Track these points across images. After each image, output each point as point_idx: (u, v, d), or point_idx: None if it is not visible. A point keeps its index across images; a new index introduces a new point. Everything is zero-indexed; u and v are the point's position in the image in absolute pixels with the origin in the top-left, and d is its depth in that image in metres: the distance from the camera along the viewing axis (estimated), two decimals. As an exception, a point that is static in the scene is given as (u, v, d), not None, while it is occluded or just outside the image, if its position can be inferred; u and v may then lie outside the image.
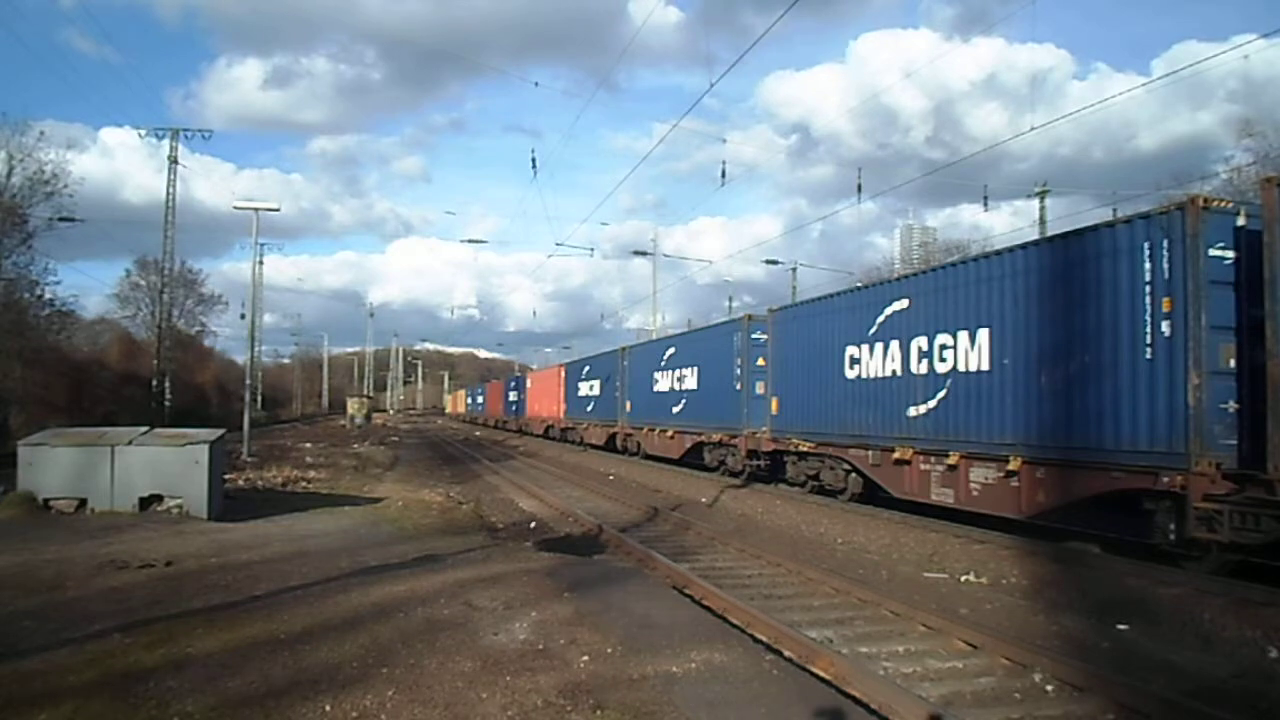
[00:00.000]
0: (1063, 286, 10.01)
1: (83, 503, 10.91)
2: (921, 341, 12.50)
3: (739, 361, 19.24)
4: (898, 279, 14.81)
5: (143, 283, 46.18)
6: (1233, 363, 8.38)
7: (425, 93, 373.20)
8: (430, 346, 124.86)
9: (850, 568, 10.09)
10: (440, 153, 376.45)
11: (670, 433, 23.72)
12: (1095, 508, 9.67)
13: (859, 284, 20.35)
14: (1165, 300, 8.63)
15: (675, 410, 23.26)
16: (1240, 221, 8.53)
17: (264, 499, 14.18)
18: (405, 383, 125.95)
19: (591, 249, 75.59)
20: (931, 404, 12.22)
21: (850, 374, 14.34)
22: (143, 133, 40.77)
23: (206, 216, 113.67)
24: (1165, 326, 8.62)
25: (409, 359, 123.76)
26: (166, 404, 39.86)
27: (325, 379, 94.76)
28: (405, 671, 4.99)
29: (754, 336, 18.74)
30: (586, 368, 34.45)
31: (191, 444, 11.29)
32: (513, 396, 52.99)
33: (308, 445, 30.32)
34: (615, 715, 4.39)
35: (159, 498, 11.13)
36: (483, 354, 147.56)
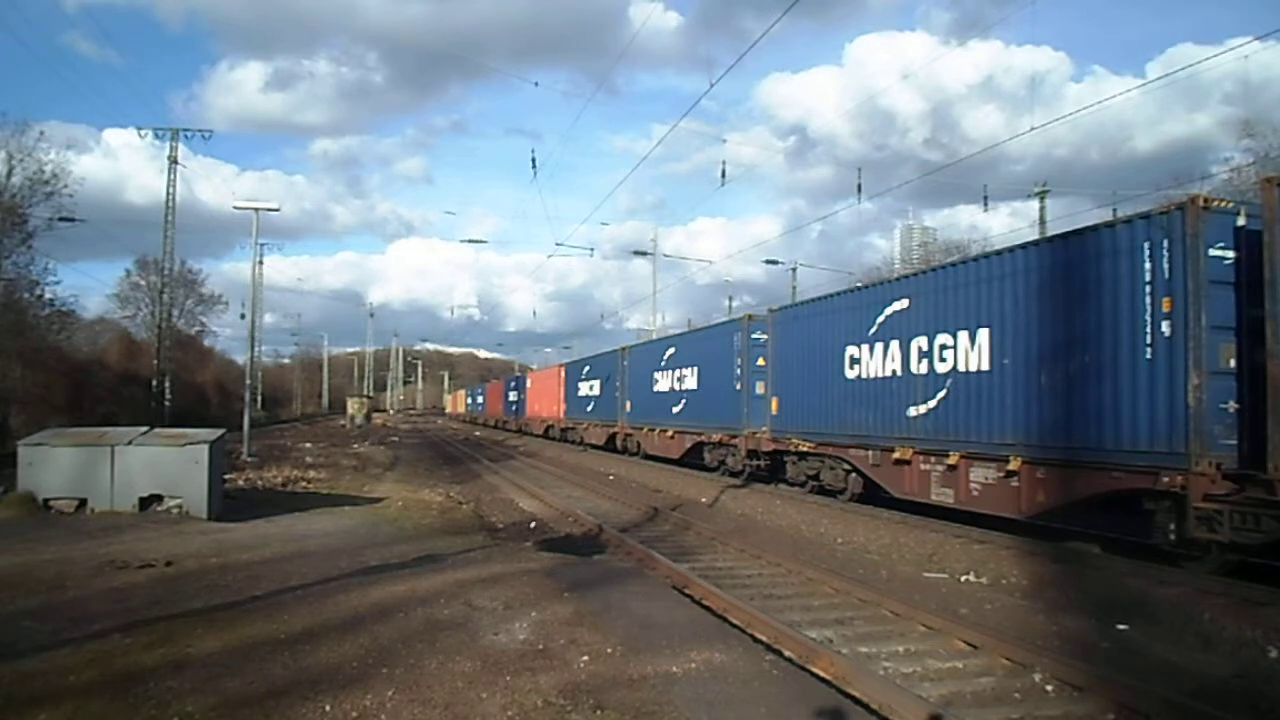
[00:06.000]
0: (1063, 286, 10.00)
1: (83, 503, 10.91)
2: (921, 341, 12.49)
3: (739, 361, 19.23)
4: (898, 279, 14.81)
5: (143, 283, 46.32)
6: (1233, 363, 8.38)
7: (426, 95, 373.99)
8: (430, 346, 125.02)
9: (850, 568, 10.09)
10: (441, 154, 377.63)
11: (670, 433, 23.72)
12: (1095, 508, 9.67)
13: (859, 284, 20.34)
14: (1165, 300, 8.62)
15: (675, 410, 23.25)
16: (1240, 221, 8.52)
17: (264, 499, 14.18)
18: (405, 383, 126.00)
19: (591, 249, 74.97)
20: (931, 404, 12.21)
21: (850, 374, 14.34)
22: (143, 133, 40.87)
23: (208, 217, 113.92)
24: (1165, 326, 8.61)
25: (409, 359, 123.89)
26: (166, 404, 39.84)
27: (325, 379, 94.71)
28: (405, 671, 4.99)
29: (754, 336, 18.73)
30: (586, 368, 34.44)
31: (191, 444, 11.28)
32: (513, 396, 52.98)
33: (308, 445, 30.31)
34: (615, 715, 4.39)
35: (159, 498, 11.13)
36: (483, 354, 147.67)
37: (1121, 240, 9.22)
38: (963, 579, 9.45)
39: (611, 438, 29.70)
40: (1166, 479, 8.50)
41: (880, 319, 13.56)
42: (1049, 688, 5.79)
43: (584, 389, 33.85)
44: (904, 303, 13.04)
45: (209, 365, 57.21)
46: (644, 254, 45.91)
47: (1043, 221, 30.59)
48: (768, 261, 43.54)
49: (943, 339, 12.02)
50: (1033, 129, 17.20)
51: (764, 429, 17.66)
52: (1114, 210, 24.86)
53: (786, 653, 6.12)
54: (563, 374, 38.20)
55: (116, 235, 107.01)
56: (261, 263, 44.00)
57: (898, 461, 12.86)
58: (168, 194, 40.52)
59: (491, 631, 5.88)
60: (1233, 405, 8.36)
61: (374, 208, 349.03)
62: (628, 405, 27.87)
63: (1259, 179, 9.03)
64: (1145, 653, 6.71)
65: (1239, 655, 6.64)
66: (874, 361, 13.69)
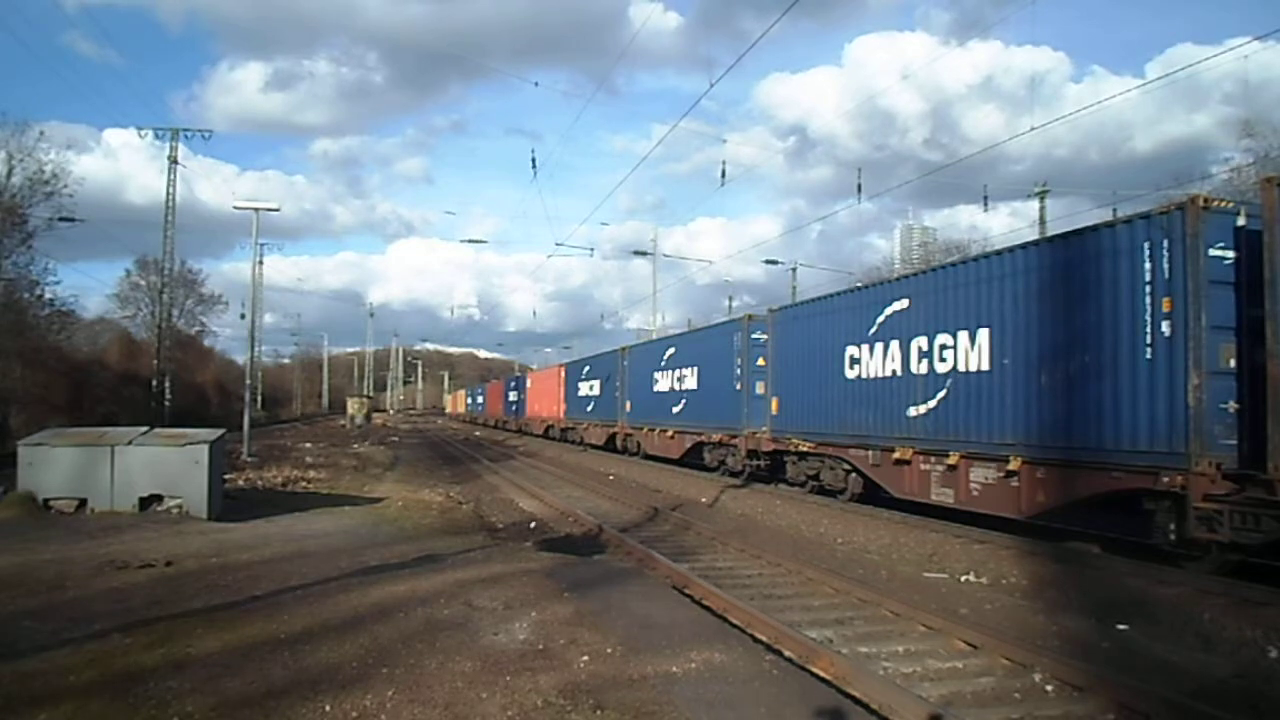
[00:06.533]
0: (1063, 286, 10.00)
1: (83, 503, 10.91)
2: (921, 341, 12.49)
3: (739, 361, 19.23)
4: (898, 279, 14.81)
5: (143, 283, 46.30)
6: (1233, 363, 8.38)
7: (426, 95, 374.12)
8: (430, 346, 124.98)
9: (850, 568, 10.09)
10: (441, 154, 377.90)
11: (670, 433, 23.72)
12: (1095, 508, 9.67)
13: (859, 284, 20.34)
14: (1165, 300, 8.62)
15: (675, 410, 23.25)
16: (1240, 221, 8.52)
17: (264, 499, 14.18)
18: (405, 383, 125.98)
19: (591, 249, 74.60)
20: (931, 404, 12.21)
21: (850, 374, 14.34)
22: (143, 133, 40.86)
23: (208, 217, 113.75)
24: (1165, 326, 8.62)
25: (409, 359, 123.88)
26: (166, 404, 39.84)
27: (325, 379, 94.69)
28: (405, 671, 4.99)
29: (754, 336, 18.74)
30: (586, 368, 34.44)
31: (191, 444, 11.28)
32: (513, 396, 52.99)
33: (308, 445, 30.30)
34: (615, 715, 4.39)
35: (159, 498, 11.12)
36: (483, 354, 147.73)
37: (1121, 240, 9.22)
38: (963, 579, 9.45)
39: (611, 438, 29.70)
40: (1166, 479, 8.50)
41: (880, 319, 13.56)
42: (1049, 688, 5.79)
43: (584, 389, 33.85)
44: (904, 303, 13.04)
45: (209, 365, 57.20)
46: (644, 254, 45.91)
47: (1043, 221, 30.60)
48: (768, 261, 43.60)
49: (943, 339, 12.02)
50: (1032, 129, 17.18)
51: (764, 429, 17.66)
52: (1114, 210, 24.84)
53: (786, 653, 6.12)
54: (563, 374, 38.20)
55: (116, 235, 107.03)
56: (261, 263, 43.99)
57: (898, 461, 12.86)
58: (168, 194, 40.57)
59: (491, 631, 5.88)
60: (1233, 405, 8.36)
61: (374, 208, 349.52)
62: (628, 405, 27.86)
63: (1259, 179, 9.03)
64: (1145, 653, 6.71)
65: (1239, 655, 6.64)
66: (874, 361, 13.69)
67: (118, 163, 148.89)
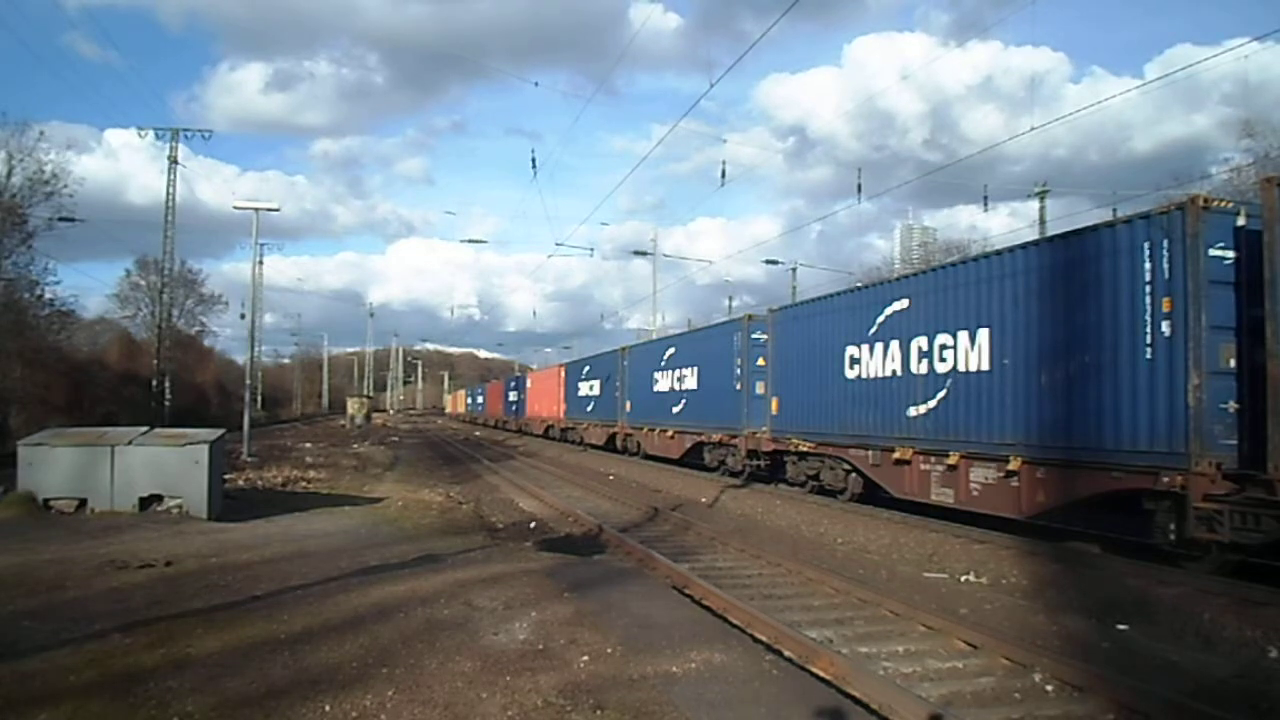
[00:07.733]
0: (1063, 286, 10.00)
1: (83, 503, 10.91)
2: (921, 341, 12.49)
3: (739, 361, 19.24)
4: (898, 279, 14.81)
5: (143, 283, 46.33)
6: (1233, 363, 8.38)
7: (427, 95, 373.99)
8: (430, 346, 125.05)
9: (850, 568, 10.09)
10: (441, 154, 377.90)
11: (670, 433, 23.72)
12: (1095, 508, 9.67)
13: (859, 284, 20.35)
14: (1165, 300, 8.62)
15: (675, 410, 23.25)
16: (1240, 221, 8.52)
17: (264, 499, 14.18)
18: (405, 383, 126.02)
19: (591, 249, 74.63)
20: (931, 404, 12.21)
21: (850, 374, 14.34)
22: (143, 133, 40.85)
23: (208, 217, 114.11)
24: (1165, 326, 8.62)
25: (409, 359, 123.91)
26: (166, 404, 39.85)
27: (325, 379, 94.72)
28: (405, 671, 4.99)
29: (754, 336, 18.74)
30: (586, 368, 34.44)
31: (191, 444, 11.28)
32: (513, 396, 53.00)
33: (308, 445, 30.31)
34: (615, 715, 4.39)
35: (159, 498, 11.12)
36: (483, 354, 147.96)
37: (1121, 240, 9.22)
38: (963, 579, 9.45)
39: (611, 438, 29.70)
40: (1166, 479, 8.50)
41: (880, 319, 13.56)
42: (1049, 688, 5.79)
43: (584, 389, 33.85)
44: (904, 303, 13.04)
45: (209, 365, 57.21)
46: (644, 254, 45.91)
47: (1042, 221, 30.62)
48: (768, 261, 43.65)
49: (943, 339, 12.02)
50: (1032, 129, 17.17)
51: (764, 429, 17.66)
52: (1114, 210, 24.85)
53: (786, 653, 6.12)
54: (563, 374, 38.21)
55: (116, 235, 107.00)
56: (261, 263, 44.02)
57: (898, 461, 12.86)
58: (168, 194, 40.58)
59: (491, 631, 5.88)
60: (1233, 405, 8.36)
61: (374, 208, 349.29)
62: (628, 405, 27.86)
63: (1259, 179, 9.03)
64: (1145, 653, 6.71)
65: (1239, 655, 6.64)
66: (874, 361, 13.69)
67: (118, 163, 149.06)
